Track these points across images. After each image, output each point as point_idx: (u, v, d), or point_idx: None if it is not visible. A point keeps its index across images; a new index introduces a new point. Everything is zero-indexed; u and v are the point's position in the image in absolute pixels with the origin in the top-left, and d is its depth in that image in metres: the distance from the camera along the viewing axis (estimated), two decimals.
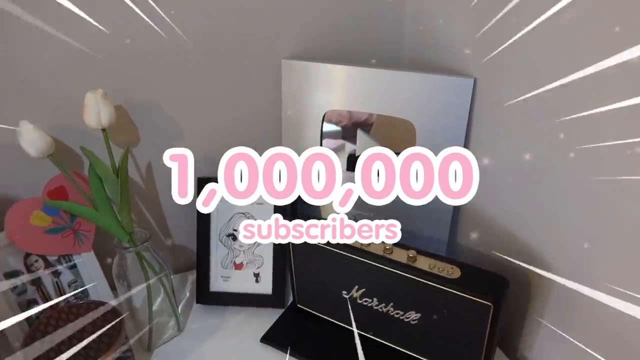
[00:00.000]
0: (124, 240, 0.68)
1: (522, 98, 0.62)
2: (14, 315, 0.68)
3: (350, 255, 0.66)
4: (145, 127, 0.79)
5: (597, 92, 0.52)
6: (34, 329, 0.63)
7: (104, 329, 0.63)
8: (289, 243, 0.71)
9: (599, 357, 0.58)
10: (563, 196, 0.59)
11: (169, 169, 0.82)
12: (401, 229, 0.81)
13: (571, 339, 0.62)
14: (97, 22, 0.69)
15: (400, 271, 0.62)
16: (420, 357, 0.69)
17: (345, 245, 0.66)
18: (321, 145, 0.83)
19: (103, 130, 0.67)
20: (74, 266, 0.75)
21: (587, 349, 0.60)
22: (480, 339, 0.61)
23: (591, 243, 0.56)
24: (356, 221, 0.84)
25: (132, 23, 0.70)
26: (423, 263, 0.62)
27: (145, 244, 0.69)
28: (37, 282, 0.72)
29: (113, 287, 0.75)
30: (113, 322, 0.64)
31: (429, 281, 0.60)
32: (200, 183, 0.81)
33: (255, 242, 0.81)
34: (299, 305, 0.78)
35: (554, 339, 0.65)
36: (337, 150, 0.85)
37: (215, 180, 0.80)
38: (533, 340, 0.69)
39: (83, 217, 0.72)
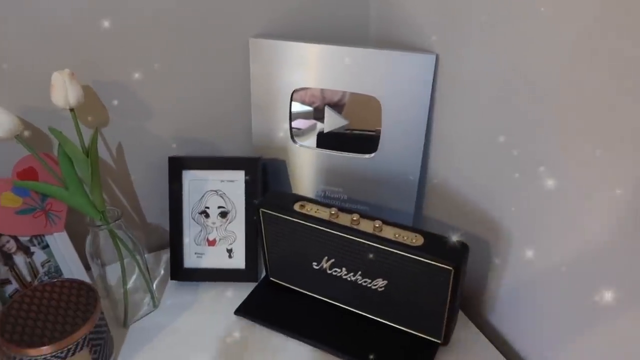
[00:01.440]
0: (96, 219, 0.69)
1: (482, 73, 0.65)
2: None
3: (319, 227, 0.68)
4: (114, 108, 0.79)
5: (554, 69, 0.55)
6: (8, 307, 0.64)
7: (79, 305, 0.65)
8: (259, 218, 0.73)
9: (552, 316, 0.63)
10: (521, 167, 0.62)
11: (140, 150, 0.84)
12: (369, 203, 0.84)
13: (526, 303, 0.66)
14: None
15: (367, 240, 0.65)
16: (388, 323, 0.72)
17: (315, 218, 0.68)
18: (290, 124, 0.85)
19: (71, 110, 0.67)
20: (47, 246, 0.75)
21: (541, 311, 0.65)
22: (442, 303, 0.64)
23: (543, 212, 0.60)
24: (325, 197, 0.87)
25: (100, 0, 0.70)
26: (388, 232, 0.65)
27: (118, 222, 0.70)
28: (10, 263, 0.72)
29: (87, 268, 0.77)
30: (88, 298, 0.66)
31: (393, 249, 0.63)
32: (171, 163, 0.82)
33: (228, 218, 0.83)
34: (271, 279, 0.81)
35: (511, 302, 0.69)
36: (308, 130, 0.87)
37: (185, 159, 0.82)
38: (493, 304, 0.73)
39: (54, 197, 0.73)
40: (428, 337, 0.69)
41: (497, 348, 0.71)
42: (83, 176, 0.69)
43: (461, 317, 0.76)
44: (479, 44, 0.64)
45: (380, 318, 0.72)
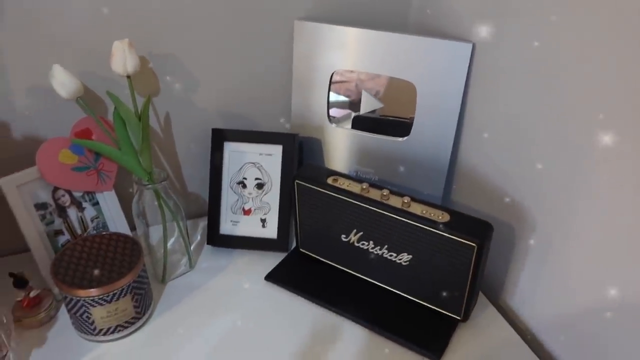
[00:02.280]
0: (143, 179, 0.75)
1: (518, 62, 0.67)
2: (43, 242, 0.75)
3: (350, 200, 0.72)
4: (164, 80, 0.84)
5: (591, 51, 0.57)
6: (62, 252, 0.70)
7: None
8: (294, 189, 0.77)
9: (571, 306, 0.65)
10: (553, 158, 0.64)
11: (186, 120, 0.89)
12: (398, 185, 0.87)
13: (547, 290, 0.69)
14: None
15: (395, 215, 0.68)
16: (410, 297, 0.75)
17: (346, 191, 0.72)
18: (328, 105, 0.88)
19: (128, 77, 0.73)
20: (97, 203, 0.82)
21: (560, 300, 0.67)
22: (464, 279, 0.67)
23: (567, 198, 0.62)
24: (357, 176, 0.90)
25: None
26: (416, 208, 0.68)
27: (163, 183, 0.75)
28: (64, 215, 0.78)
29: (132, 228, 0.82)
30: (132, 251, 0.71)
31: (420, 224, 0.66)
32: (214, 134, 0.87)
33: (264, 190, 0.87)
34: (301, 250, 0.85)
35: (533, 287, 0.72)
36: (342, 119, 0.91)
37: (227, 132, 0.87)
38: (514, 289, 0.76)
39: (107, 156, 0.78)
40: (448, 313, 0.72)
41: (516, 330, 0.73)
42: (134, 139, 0.74)
43: (482, 299, 0.78)
44: (516, 34, 0.67)
45: (403, 292, 0.76)
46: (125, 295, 0.68)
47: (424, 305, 0.74)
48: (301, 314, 0.75)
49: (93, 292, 0.65)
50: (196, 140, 0.91)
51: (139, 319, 0.71)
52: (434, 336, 0.71)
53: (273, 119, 0.95)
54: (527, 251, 0.71)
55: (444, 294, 0.71)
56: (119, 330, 0.70)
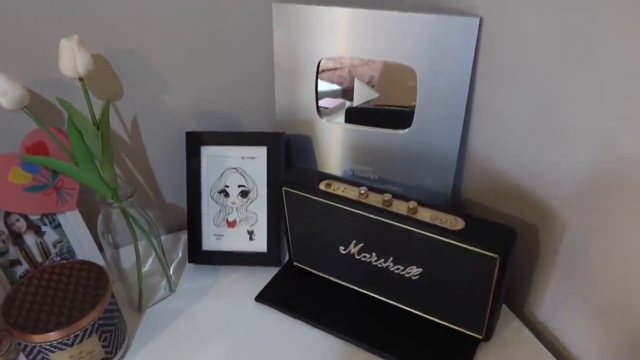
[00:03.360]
0: (107, 196, 0.65)
1: (534, 36, 0.57)
2: None
3: (347, 208, 0.62)
4: (128, 79, 0.74)
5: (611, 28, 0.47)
6: (15, 289, 0.60)
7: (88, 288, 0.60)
8: (282, 197, 0.67)
9: (611, 314, 0.55)
10: (576, 141, 0.54)
11: (156, 124, 0.79)
12: (401, 184, 0.77)
13: (583, 296, 0.59)
14: None
15: (400, 223, 0.58)
16: (422, 314, 0.65)
17: (342, 197, 0.62)
18: (316, 97, 0.78)
19: (80, 79, 0.62)
20: (59, 225, 0.71)
21: (599, 306, 0.57)
22: (485, 294, 0.57)
23: (606, 194, 0.52)
24: (353, 176, 0.80)
25: None
26: (424, 214, 0.58)
27: (130, 200, 0.65)
28: (20, 242, 0.68)
29: (102, 249, 0.72)
30: (98, 281, 0.61)
31: (430, 233, 0.56)
32: (189, 138, 0.77)
33: (249, 198, 0.77)
34: (295, 263, 0.75)
35: (564, 295, 0.62)
36: (335, 109, 0.81)
37: (203, 134, 0.76)
38: (542, 297, 0.66)
39: (63, 173, 0.68)
40: (468, 332, 0.63)
41: (545, 345, 0.63)
42: (94, 151, 0.64)
43: (504, 310, 0.68)
44: (531, 3, 0.56)
45: (414, 309, 0.66)
46: (90, 335, 0.58)
47: (439, 323, 0.64)
48: (299, 339, 0.66)
49: (51, 336, 0.55)
50: (170, 146, 0.81)
51: (109, 359, 0.62)
52: None
53: (255, 117, 0.84)
54: (556, 254, 0.61)
55: (462, 310, 0.61)
56: None
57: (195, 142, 0.76)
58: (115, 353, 0.62)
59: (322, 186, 0.64)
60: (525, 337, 0.65)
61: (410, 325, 0.66)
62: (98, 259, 0.73)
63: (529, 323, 0.67)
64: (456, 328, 0.63)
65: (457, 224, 0.56)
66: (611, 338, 0.56)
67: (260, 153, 0.76)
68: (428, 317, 0.65)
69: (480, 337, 0.62)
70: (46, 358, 0.57)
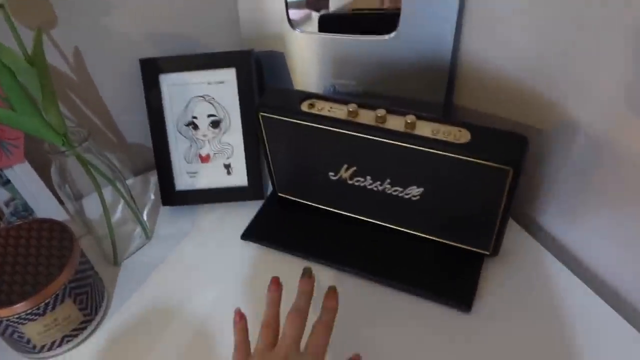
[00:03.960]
0: (57, 144, 0.55)
1: None
2: None
3: (335, 129, 0.54)
4: (61, 2, 0.62)
5: None
6: None
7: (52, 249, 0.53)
8: (259, 124, 0.59)
9: (628, 218, 0.51)
10: (592, 29, 0.47)
11: (104, 54, 0.68)
12: (388, 96, 0.70)
13: (594, 202, 0.55)
14: None
15: (399, 142, 0.52)
16: (424, 235, 0.61)
17: (329, 118, 0.54)
18: (286, 5, 0.68)
19: (0, 6, 0.51)
20: (8, 182, 0.62)
21: (608, 210, 0.53)
22: (494, 210, 0.52)
23: (625, 86, 0.46)
24: (335, 93, 0.72)
25: None
26: (424, 129, 0.51)
27: (85, 144, 0.56)
28: None
29: (63, 202, 0.64)
30: (62, 240, 0.54)
31: (434, 149, 0.50)
32: (144, 66, 0.67)
33: (221, 128, 0.69)
34: (280, 194, 0.69)
35: (569, 201, 0.58)
36: (302, 20, 0.71)
37: (160, 61, 0.66)
38: (547, 204, 0.62)
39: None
40: (474, 249, 0.59)
41: (552, 254, 0.60)
42: (32, 92, 0.54)
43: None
44: None
45: (415, 231, 0.61)
46: (62, 300, 0.51)
47: (442, 243, 0.60)
48: (293, 276, 0.60)
49: (17, 308, 0.48)
50: (123, 78, 0.70)
51: (89, 321, 0.56)
52: (459, 280, 0.57)
53: (217, 36, 0.74)
54: (565, 160, 0.56)
55: (467, 228, 0.57)
56: (67, 341, 0.54)
57: (151, 70, 0.66)
58: (96, 313, 0.57)
59: (304, 107, 0.56)
60: (531, 247, 0.62)
61: (411, 248, 0.61)
62: (61, 214, 0.65)
63: (533, 232, 0.64)
64: (461, 246, 0.59)
65: (462, 136, 0.50)
66: (624, 243, 0.53)
67: (228, 76, 0.66)
68: (430, 237, 0.61)
69: (487, 253, 0.58)
70: (18, 332, 0.50)
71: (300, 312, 0.46)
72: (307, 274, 0.50)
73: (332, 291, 0.48)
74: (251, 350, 0.44)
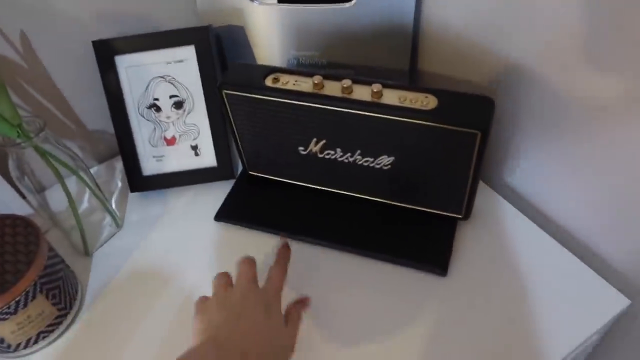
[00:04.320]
0: (12, 136, 0.53)
1: None
2: None
3: (302, 103, 0.53)
4: None
5: None
6: None
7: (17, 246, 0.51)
8: (224, 102, 0.58)
9: (591, 171, 0.52)
10: None
11: (53, 38, 0.65)
12: (353, 66, 0.69)
13: (558, 156, 0.56)
14: None
15: (366, 111, 0.51)
16: (396, 204, 0.61)
17: (294, 92, 0.53)
18: None
19: None
20: None
21: (574, 164, 0.54)
22: (465, 174, 0.53)
23: (585, 40, 0.46)
24: (299, 65, 0.71)
25: None
26: (391, 97, 0.51)
27: (42, 135, 0.54)
28: None
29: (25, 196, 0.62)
30: (27, 236, 0.52)
31: (402, 117, 0.50)
32: (98, 48, 0.64)
33: (184, 108, 0.67)
34: (251, 173, 0.68)
35: (538, 158, 0.59)
36: None
37: (114, 42, 0.63)
38: (515, 163, 0.63)
39: None
40: (446, 214, 0.59)
41: (524, 213, 0.62)
42: None
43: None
44: None
45: (388, 200, 0.61)
46: (34, 297, 0.50)
47: (416, 210, 0.61)
48: (270, 253, 0.60)
49: None
50: (77, 62, 0.67)
51: (65, 315, 0.55)
52: (433, 245, 0.58)
53: (172, 12, 0.71)
54: (528, 118, 0.57)
55: (439, 193, 0.57)
56: (44, 337, 0.53)
57: (106, 52, 0.64)
58: (70, 307, 0.56)
59: (268, 82, 0.55)
60: (503, 208, 0.63)
61: (386, 217, 0.62)
62: (24, 209, 0.63)
63: (503, 192, 0.65)
64: (434, 212, 0.60)
65: (430, 102, 0.50)
66: (589, 193, 0.54)
67: (187, 54, 0.64)
68: (403, 205, 0.61)
69: (460, 216, 0.59)
70: None
71: (250, 259, 0.49)
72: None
73: (284, 243, 0.54)
74: None
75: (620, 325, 0.56)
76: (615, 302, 0.52)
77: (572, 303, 0.52)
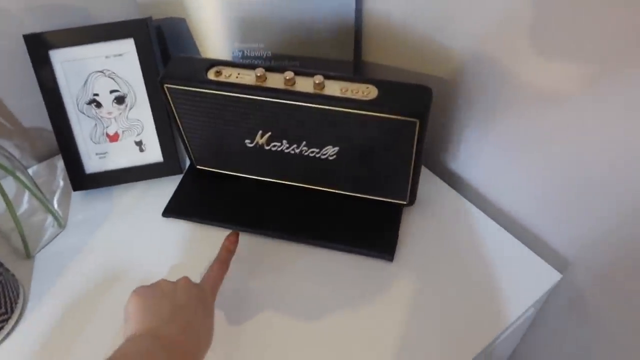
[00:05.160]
0: None
1: None
2: None
3: (244, 96, 0.53)
4: None
5: None
6: None
7: None
8: (166, 97, 0.57)
9: (528, 155, 0.55)
10: None
11: None
12: (299, 57, 0.69)
13: (497, 141, 0.58)
14: None
15: (308, 103, 0.52)
16: (343, 192, 0.62)
17: (236, 85, 0.53)
18: None
19: None
20: None
21: (511, 149, 0.57)
22: (406, 160, 0.54)
23: (527, 26, 0.48)
24: (244, 57, 0.71)
25: None
26: (333, 89, 0.52)
27: None
28: None
29: None
30: None
31: (342, 107, 0.51)
32: (30, 43, 0.61)
33: (126, 103, 0.65)
34: (198, 167, 0.67)
35: (479, 144, 0.61)
36: None
37: (48, 35, 0.61)
38: (457, 150, 0.65)
39: None
40: (392, 201, 0.61)
41: (466, 197, 0.64)
42: None
43: (423, 171, 0.67)
44: None
45: (335, 189, 0.63)
46: None
47: (362, 198, 0.62)
48: (219, 247, 0.60)
49: None
50: (9, 57, 0.64)
51: (6, 320, 0.53)
52: (380, 231, 0.60)
53: (109, 3, 0.69)
54: (468, 105, 0.59)
55: (384, 181, 0.59)
56: None
57: (39, 46, 0.61)
58: (12, 312, 0.54)
59: (211, 75, 0.54)
60: (446, 193, 0.65)
61: (334, 206, 0.63)
62: None
63: (446, 178, 0.67)
64: (379, 199, 0.61)
65: (370, 92, 0.51)
66: (525, 176, 0.57)
67: (127, 47, 0.63)
68: (350, 194, 0.62)
69: (404, 202, 0.61)
70: None
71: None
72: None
73: (232, 233, 0.55)
74: None
75: (552, 296, 0.60)
76: (548, 277, 0.55)
77: (510, 280, 0.55)
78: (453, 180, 0.67)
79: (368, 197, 0.62)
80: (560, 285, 0.57)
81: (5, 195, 0.56)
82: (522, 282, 0.55)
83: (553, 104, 0.49)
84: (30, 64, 0.62)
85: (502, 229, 0.60)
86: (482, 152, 0.61)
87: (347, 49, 0.67)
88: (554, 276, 0.56)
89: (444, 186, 0.66)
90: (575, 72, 0.45)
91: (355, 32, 0.66)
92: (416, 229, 0.61)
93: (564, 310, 0.61)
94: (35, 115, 0.70)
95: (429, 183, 0.66)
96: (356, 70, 0.70)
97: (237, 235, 0.55)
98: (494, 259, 0.57)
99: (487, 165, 0.62)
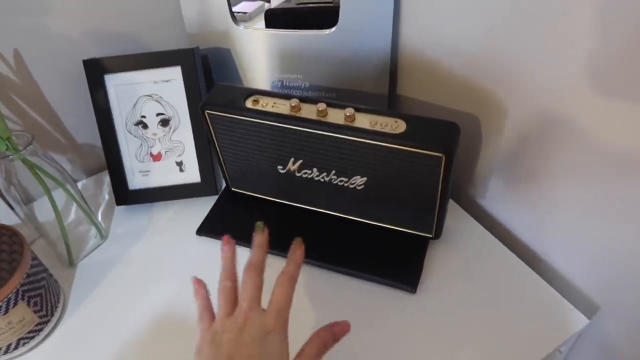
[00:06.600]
0: (0, 148, 0.55)
1: None
2: None
3: (279, 124, 0.56)
4: None
5: None
6: None
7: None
8: (207, 122, 0.60)
9: (555, 195, 0.55)
10: (521, 20, 0.50)
11: (46, 55, 0.68)
12: (335, 89, 0.72)
13: (527, 182, 0.58)
14: None
15: (339, 134, 0.54)
16: (371, 222, 0.64)
17: (272, 113, 0.56)
18: (229, 1, 0.69)
19: None
20: None
21: (542, 190, 0.57)
22: (433, 194, 0.55)
23: (553, 69, 0.49)
24: (283, 87, 0.74)
25: None
26: (363, 121, 0.54)
27: (30, 148, 0.56)
28: None
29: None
30: (11, 245, 0.54)
31: (371, 140, 0.52)
32: (88, 67, 0.67)
33: (170, 126, 0.69)
34: (233, 189, 0.70)
35: (506, 183, 0.61)
36: (255, 12, 0.72)
37: (105, 61, 0.66)
38: (484, 186, 0.65)
39: None
40: (418, 233, 0.62)
41: (493, 233, 0.64)
42: None
43: (451, 204, 0.68)
44: None
45: (362, 219, 0.64)
46: (15, 304, 0.52)
47: (389, 229, 0.63)
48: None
49: None
50: (69, 79, 0.70)
51: (46, 323, 0.57)
52: (404, 263, 0.60)
53: (161, 34, 0.74)
54: (498, 143, 0.60)
55: (411, 213, 0.60)
56: (24, 344, 0.55)
57: (96, 71, 0.67)
58: (52, 315, 0.57)
59: (248, 104, 0.58)
60: (472, 227, 0.65)
61: (360, 235, 0.64)
62: (11, 218, 0.65)
63: (476, 214, 0.67)
64: (406, 231, 0.62)
65: (399, 126, 0.52)
66: (554, 215, 0.56)
67: (174, 74, 0.67)
68: (377, 224, 0.63)
69: (430, 236, 0.61)
70: None
71: (255, 266, 0.45)
72: (260, 228, 0.49)
73: (298, 243, 0.48)
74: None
75: (580, 341, 0.59)
76: (575, 321, 0.54)
77: (534, 321, 0.54)
78: (480, 215, 0.67)
79: (394, 227, 0.63)
80: (588, 330, 0.55)
81: (55, 206, 0.60)
82: (547, 325, 0.54)
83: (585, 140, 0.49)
84: (86, 86, 0.67)
85: (528, 267, 0.60)
86: (509, 189, 0.61)
87: (382, 82, 0.69)
88: (582, 321, 0.54)
89: (472, 223, 0.66)
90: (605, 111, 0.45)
91: (391, 66, 0.68)
92: (441, 263, 0.61)
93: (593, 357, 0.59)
94: (87, 132, 0.76)
95: (455, 216, 0.67)
96: (390, 104, 0.72)
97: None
98: (518, 298, 0.57)
99: (515, 202, 0.62)
